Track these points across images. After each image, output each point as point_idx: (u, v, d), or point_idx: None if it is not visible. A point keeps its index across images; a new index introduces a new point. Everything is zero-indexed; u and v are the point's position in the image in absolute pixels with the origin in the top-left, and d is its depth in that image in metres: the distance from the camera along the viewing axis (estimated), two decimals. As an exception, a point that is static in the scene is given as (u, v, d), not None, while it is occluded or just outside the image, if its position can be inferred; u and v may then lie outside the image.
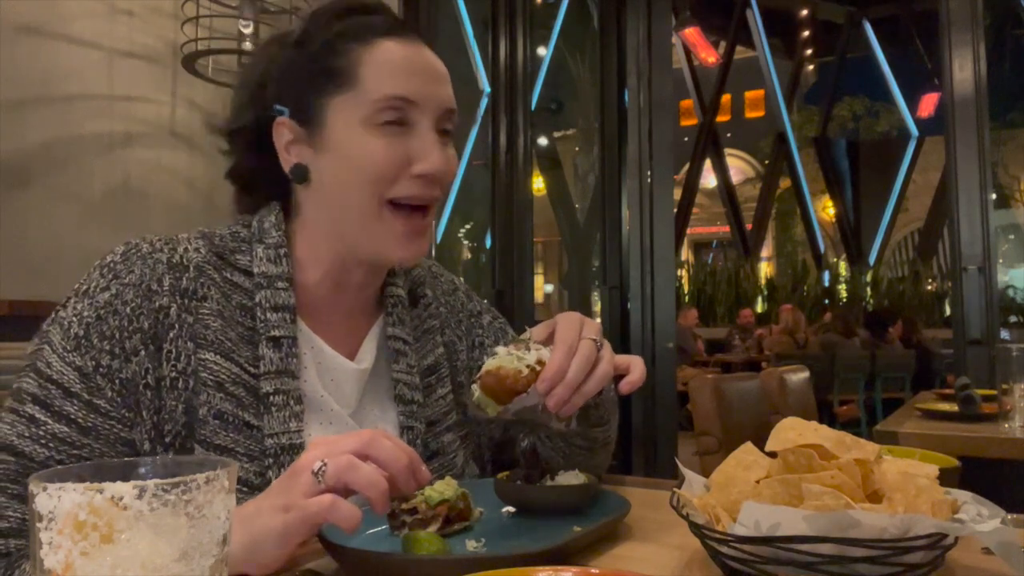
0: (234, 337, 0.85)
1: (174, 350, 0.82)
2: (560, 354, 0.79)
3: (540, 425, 0.92)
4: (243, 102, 0.94)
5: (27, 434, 0.77)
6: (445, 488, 0.79)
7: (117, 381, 0.80)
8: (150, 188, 2.74)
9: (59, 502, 0.39)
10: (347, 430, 0.90)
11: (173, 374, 0.81)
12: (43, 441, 0.77)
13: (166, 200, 2.81)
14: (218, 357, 0.83)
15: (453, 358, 1.04)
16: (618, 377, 0.88)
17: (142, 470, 0.46)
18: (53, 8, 2.55)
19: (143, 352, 0.81)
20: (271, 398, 0.84)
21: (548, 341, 0.83)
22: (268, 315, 0.87)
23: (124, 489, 0.39)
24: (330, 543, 0.70)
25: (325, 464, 0.65)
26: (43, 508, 0.39)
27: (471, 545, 0.76)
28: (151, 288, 0.82)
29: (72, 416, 0.78)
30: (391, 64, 0.87)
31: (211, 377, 0.82)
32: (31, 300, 2.27)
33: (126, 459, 0.47)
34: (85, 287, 0.82)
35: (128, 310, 0.81)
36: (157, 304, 0.82)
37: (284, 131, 0.90)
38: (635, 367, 0.88)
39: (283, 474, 0.69)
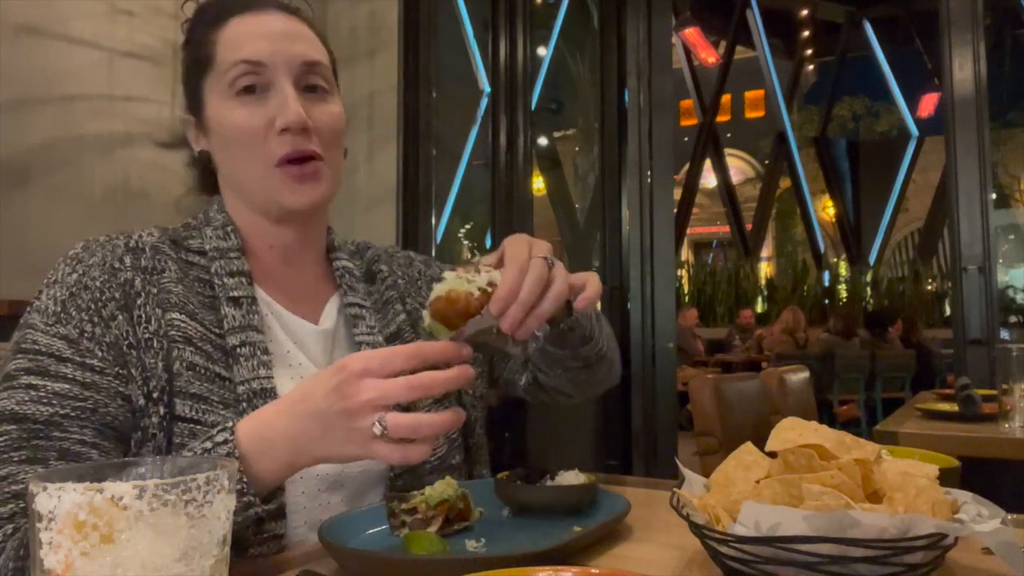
0: (196, 303, 0.89)
1: (143, 315, 0.85)
2: (512, 274, 0.76)
3: (497, 350, 0.90)
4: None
5: (27, 399, 0.78)
6: (445, 488, 0.79)
7: (104, 344, 0.83)
8: (150, 188, 2.74)
9: (59, 502, 0.39)
10: None
11: (146, 335, 0.84)
12: (45, 400, 0.78)
13: (166, 200, 2.80)
14: (184, 316, 0.87)
15: (417, 325, 1.06)
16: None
17: (142, 470, 0.46)
18: (53, 8, 2.55)
19: (120, 317, 0.84)
20: (238, 350, 0.87)
21: (498, 267, 0.80)
22: (225, 280, 0.91)
23: (124, 489, 0.39)
24: (330, 543, 0.70)
25: (385, 427, 0.67)
26: (43, 508, 0.39)
27: (471, 545, 0.76)
28: (114, 266, 0.87)
29: (70, 376, 0.80)
30: (239, 34, 0.92)
31: (179, 334, 0.85)
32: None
33: (126, 459, 0.47)
34: (54, 277, 0.87)
35: (97, 284, 0.85)
36: (122, 279, 0.86)
37: (189, 125, 0.98)
38: (591, 283, 0.86)
39: (330, 405, 0.69)
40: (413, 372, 0.70)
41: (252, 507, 0.72)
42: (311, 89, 0.93)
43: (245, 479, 0.71)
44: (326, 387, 0.70)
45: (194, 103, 0.96)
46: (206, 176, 1.01)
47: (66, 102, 2.57)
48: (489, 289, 0.74)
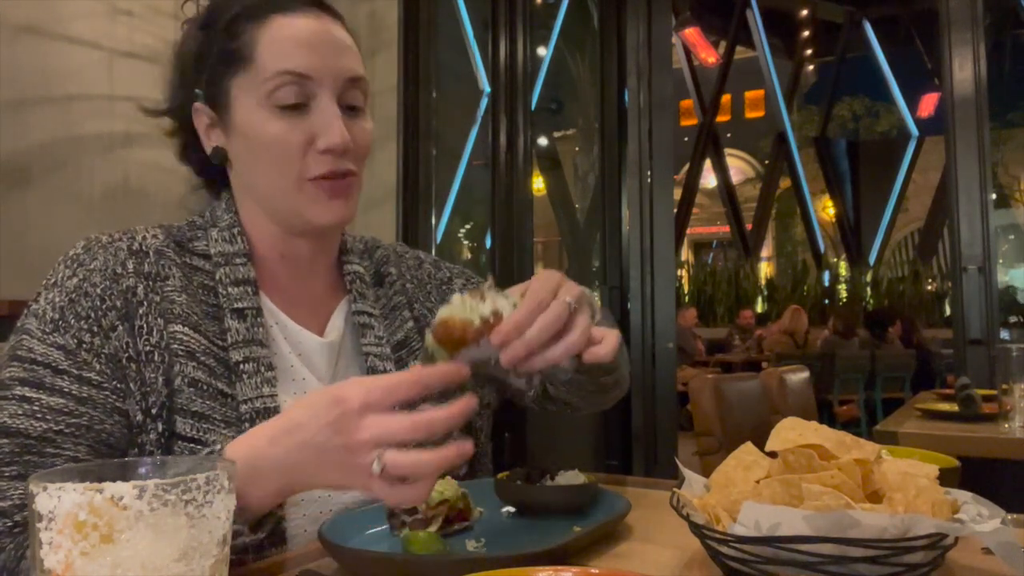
0: (200, 313, 0.86)
1: (145, 326, 0.82)
2: (525, 310, 0.71)
3: (500, 380, 0.87)
4: (174, 83, 0.95)
5: (20, 412, 0.76)
6: (445, 488, 0.79)
7: (103, 356, 0.80)
8: (150, 188, 2.74)
9: (59, 502, 0.39)
10: None
11: (147, 348, 0.82)
12: (39, 415, 0.76)
13: (166, 200, 2.80)
14: (187, 328, 0.84)
15: (424, 333, 1.04)
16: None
17: (142, 470, 0.46)
18: (53, 8, 2.55)
19: (120, 328, 0.81)
20: (242, 366, 0.84)
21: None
22: (230, 289, 0.88)
23: (124, 489, 0.39)
24: (330, 543, 0.70)
25: (384, 464, 0.63)
26: (43, 508, 0.39)
27: (471, 545, 0.76)
28: (116, 271, 0.84)
29: (66, 390, 0.78)
30: (284, 39, 0.86)
31: (182, 348, 0.83)
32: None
33: (126, 459, 0.47)
34: (53, 280, 0.84)
35: (98, 291, 0.82)
36: (124, 285, 0.83)
37: (202, 116, 0.91)
38: (607, 340, 0.80)
39: (327, 439, 0.64)
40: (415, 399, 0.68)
41: (240, 536, 0.70)
42: (351, 107, 0.89)
43: None
44: (322, 420, 0.64)
45: (216, 97, 0.89)
46: (213, 173, 0.97)
47: (66, 102, 2.57)
48: (491, 319, 0.71)
